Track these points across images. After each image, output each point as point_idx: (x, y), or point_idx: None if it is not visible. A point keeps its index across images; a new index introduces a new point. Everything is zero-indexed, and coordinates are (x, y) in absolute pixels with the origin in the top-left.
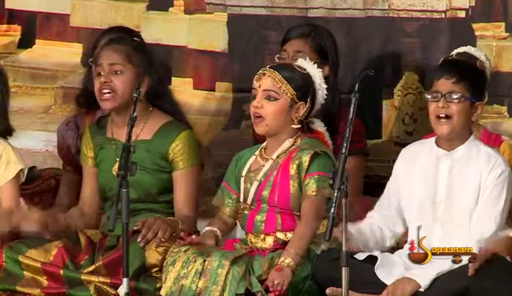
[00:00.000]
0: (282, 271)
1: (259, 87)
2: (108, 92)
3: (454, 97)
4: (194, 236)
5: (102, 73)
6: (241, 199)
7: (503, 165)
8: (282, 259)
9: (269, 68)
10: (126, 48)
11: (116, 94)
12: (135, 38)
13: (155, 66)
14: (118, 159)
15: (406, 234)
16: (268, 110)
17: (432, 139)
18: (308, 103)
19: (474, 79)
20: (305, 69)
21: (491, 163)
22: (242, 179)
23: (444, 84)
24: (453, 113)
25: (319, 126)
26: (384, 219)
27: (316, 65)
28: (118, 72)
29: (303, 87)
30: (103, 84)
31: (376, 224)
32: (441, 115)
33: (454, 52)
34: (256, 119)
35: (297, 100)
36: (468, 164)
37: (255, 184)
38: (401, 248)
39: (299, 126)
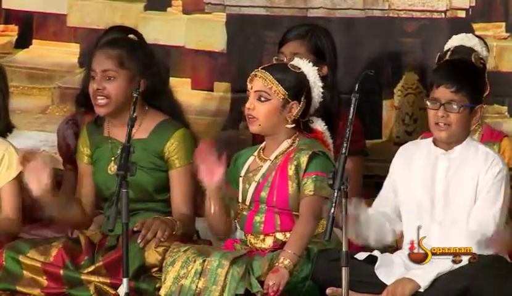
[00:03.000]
0: (278, 272)
1: (251, 88)
2: (102, 99)
3: (454, 107)
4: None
5: (96, 78)
6: (240, 199)
7: (500, 164)
8: (280, 260)
9: (261, 68)
10: (118, 53)
11: (111, 100)
12: (131, 36)
13: (151, 66)
14: (113, 158)
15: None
16: (260, 111)
17: (429, 139)
18: (302, 103)
19: (474, 85)
20: (299, 69)
21: (489, 161)
22: (241, 180)
23: (443, 92)
24: (452, 122)
25: (319, 125)
26: (383, 216)
27: (311, 64)
28: (112, 78)
29: (296, 86)
30: (96, 91)
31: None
32: (440, 123)
33: (449, 45)
34: (249, 119)
35: (290, 100)
36: (465, 164)
37: (253, 184)
38: (401, 248)
39: (293, 125)
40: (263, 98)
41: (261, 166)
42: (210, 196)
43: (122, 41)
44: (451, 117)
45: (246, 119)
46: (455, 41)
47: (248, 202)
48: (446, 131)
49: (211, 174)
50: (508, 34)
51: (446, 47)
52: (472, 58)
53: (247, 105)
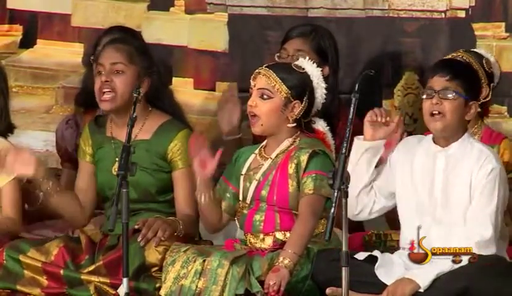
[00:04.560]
0: (278, 272)
1: (254, 86)
2: (109, 92)
3: (448, 94)
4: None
5: (103, 72)
6: (240, 197)
7: (493, 161)
8: (280, 259)
9: (265, 67)
10: (128, 48)
11: (116, 94)
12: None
13: (155, 66)
14: (117, 158)
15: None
16: (262, 109)
17: (430, 136)
18: (304, 102)
19: (469, 78)
20: (302, 69)
21: (482, 159)
22: (242, 178)
23: (438, 81)
24: (446, 111)
25: (321, 126)
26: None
27: (315, 64)
28: (120, 72)
29: (299, 86)
30: (103, 84)
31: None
32: (434, 112)
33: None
34: (252, 118)
35: (292, 99)
36: (461, 161)
37: (254, 183)
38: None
39: (294, 125)
40: (265, 96)
41: (262, 165)
42: (200, 188)
43: (130, 38)
44: (446, 105)
45: (248, 119)
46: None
47: (248, 201)
48: (440, 121)
49: (204, 166)
50: (508, 34)
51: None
52: (484, 61)
53: (249, 102)
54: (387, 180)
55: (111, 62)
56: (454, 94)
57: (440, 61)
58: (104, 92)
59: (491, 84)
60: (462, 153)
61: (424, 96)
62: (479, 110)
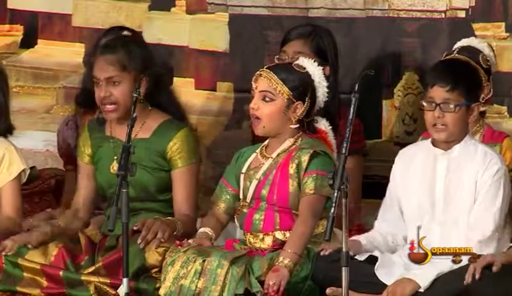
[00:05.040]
0: (278, 272)
1: (256, 88)
2: (110, 105)
3: (450, 106)
4: (190, 240)
5: (100, 84)
6: (240, 196)
7: (499, 162)
8: (280, 259)
9: (266, 68)
10: (118, 57)
11: (119, 105)
12: (126, 32)
13: (152, 66)
14: (116, 157)
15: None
16: (264, 111)
17: (428, 140)
18: (306, 103)
19: (469, 83)
20: (304, 68)
21: (487, 160)
22: (242, 176)
23: (438, 92)
24: (449, 122)
25: (323, 125)
26: (392, 225)
27: (316, 63)
28: (116, 83)
29: (300, 87)
30: (103, 99)
31: (387, 233)
32: (437, 124)
33: (457, 45)
34: (254, 120)
35: (294, 100)
36: (465, 163)
37: (254, 182)
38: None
39: (297, 125)
40: (267, 99)
41: (263, 164)
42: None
43: (119, 43)
44: (448, 117)
45: (249, 119)
46: (464, 42)
47: (248, 199)
48: (444, 132)
49: None
50: (508, 34)
51: (454, 48)
52: (480, 58)
53: (251, 104)
54: (397, 204)
55: (105, 77)
56: (455, 105)
57: (439, 68)
58: (106, 104)
59: (491, 77)
60: (466, 154)
61: (425, 105)
62: (482, 109)
